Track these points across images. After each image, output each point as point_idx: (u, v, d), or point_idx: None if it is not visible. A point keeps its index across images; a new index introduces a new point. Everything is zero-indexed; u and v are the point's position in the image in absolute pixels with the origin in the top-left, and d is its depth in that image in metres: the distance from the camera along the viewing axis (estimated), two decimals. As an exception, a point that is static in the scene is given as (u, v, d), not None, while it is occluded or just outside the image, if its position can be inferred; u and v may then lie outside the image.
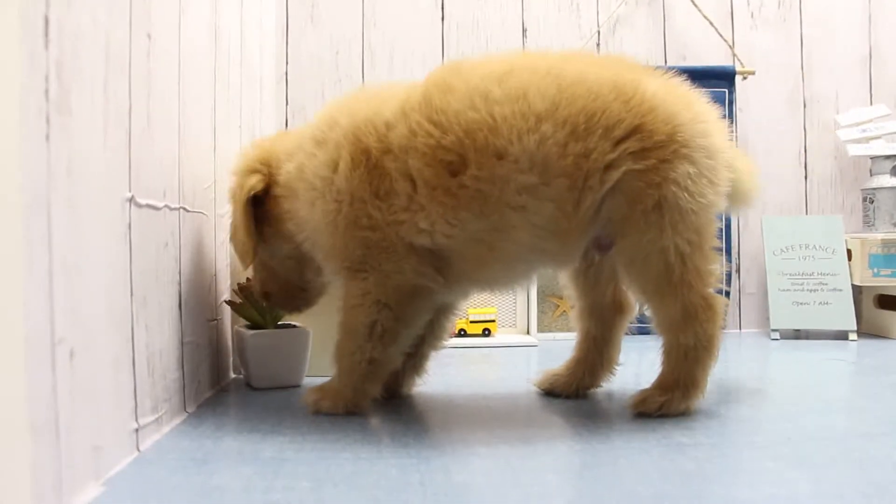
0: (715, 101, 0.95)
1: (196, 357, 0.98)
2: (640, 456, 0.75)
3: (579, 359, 1.05)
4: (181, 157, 0.90)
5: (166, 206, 0.85)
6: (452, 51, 1.79)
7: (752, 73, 1.78)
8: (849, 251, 1.69)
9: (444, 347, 1.09)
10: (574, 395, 1.04)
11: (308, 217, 0.93)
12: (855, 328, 1.63)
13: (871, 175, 1.80)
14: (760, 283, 1.83)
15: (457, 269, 0.92)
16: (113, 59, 0.69)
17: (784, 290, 1.69)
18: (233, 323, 1.18)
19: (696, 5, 1.79)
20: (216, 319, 1.10)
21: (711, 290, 0.90)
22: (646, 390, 0.93)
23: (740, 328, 1.84)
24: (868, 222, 1.76)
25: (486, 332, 1.61)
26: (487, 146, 0.85)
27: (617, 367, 1.07)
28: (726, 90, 1.75)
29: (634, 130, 0.86)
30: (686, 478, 0.68)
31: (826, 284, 1.67)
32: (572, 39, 1.81)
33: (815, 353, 1.46)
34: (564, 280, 1.06)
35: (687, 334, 0.90)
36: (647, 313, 0.94)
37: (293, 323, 1.17)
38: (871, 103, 1.85)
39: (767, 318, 1.71)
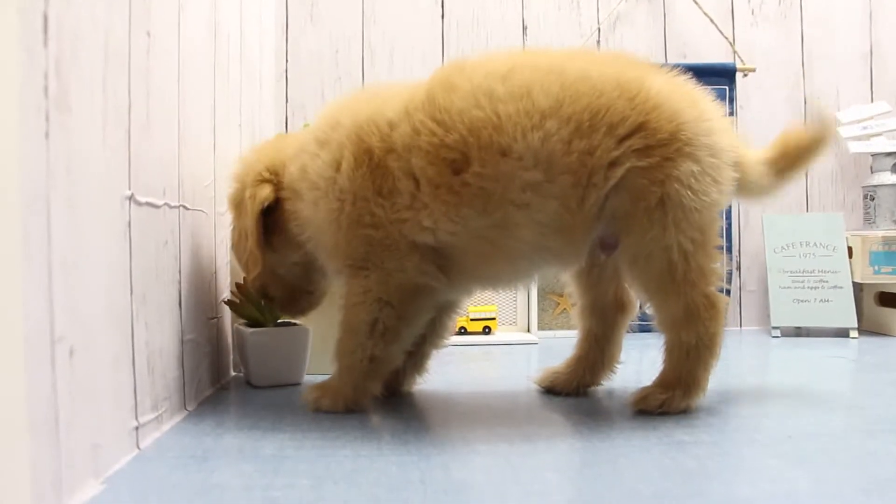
0: (715, 99, 0.95)
1: (196, 355, 0.98)
2: (641, 454, 0.75)
3: (580, 356, 1.05)
4: (181, 155, 0.90)
5: (166, 204, 0.85)
6: (452, 49, 1.79)
7: (753, 70, 1.78)
8: (849, 248, 1.68)
9: (446, 346, 1.09)
10: (574, 392, 1.04)
11: (311, 217, 0.93)
12: (856, 325, 1.63)
13: (871, 172, 1.79)
14: (761, 281, 1.82)
15: (460, 267, 0.92)
16: (112, 56, 0.69)
17: (785, 288, 1.69)
18: (233, 321, 1.18)
19: (696, 2, 1.79)
20: (216, 317, 1.09)
21: (714, 289, 0.90)
22: (647, 388, 0.93)
23: (741, 326, 1.84)
24: (869, 219, 1.76)
25: (487, 330, 1.61)
26: (491, 144, 0.85)
27: (618, 366, 1.07)
28: (727, 87, 1.75)
29: (639, 128, 0.86)
30: (687, 476, 0.68)
31: (827, 282, 1.67)
32: (572, 37, 1.81)
33: (815, 351, 1.46)
34: (566, 278, 1.06)
35: (689, 332, 0.90)
36: (649, 311, 0.94)
37: (293, 321, 1.17)
38: (872, 100, 1.85)
39: (768, 316, 1.71)
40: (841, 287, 1.66)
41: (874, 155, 1.77)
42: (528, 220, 0.87)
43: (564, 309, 1.67)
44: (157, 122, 0.81)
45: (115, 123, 0.70)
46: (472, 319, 1.60)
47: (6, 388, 0.52)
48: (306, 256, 0.99)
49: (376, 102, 0.92)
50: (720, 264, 0.91)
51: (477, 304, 1.62)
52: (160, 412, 0.83)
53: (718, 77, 1.74)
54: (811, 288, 1.67)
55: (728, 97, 1.74)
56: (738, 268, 1.83)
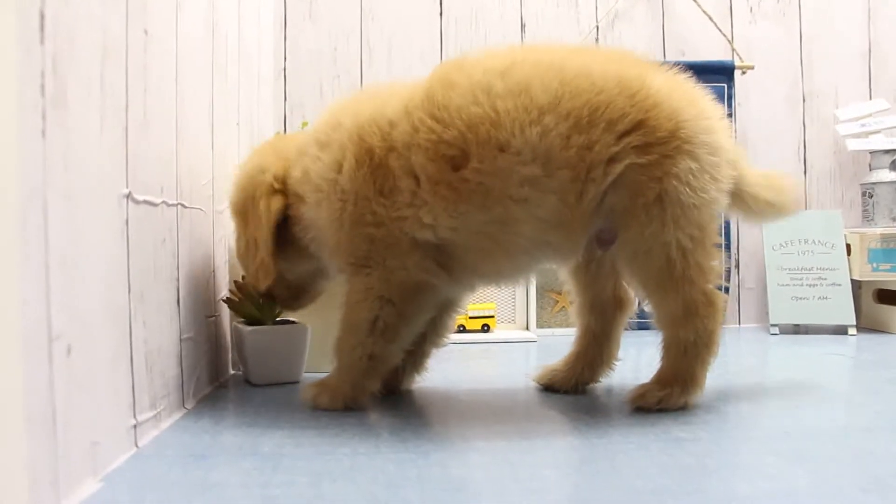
0: (714, 96, 0.95)
1: (194, 353, 0.98)
2: (639, 451, 0.75)
3: (578, 354, 1.06)
4: (178, 153, 0.90)
5: (164, 202, 0.84)
6: (451, 45, 1.79)
7: (752, 67, 1.78)
8: (848, 246, 1.69)
9: (446, 345, 1.09)
10: (573, 390, 1.04)
11: (315, 218, 0.93)
12: (854, 323, 1.63)
13: (870, 170, 1.79)
14: (759, 278, 1.83)
15: (461, 264, 0.92)
16: (109, 54, 0.69)
17: (783, 285, 1.69)
18: (231, 319, 1.18)
19: (695, 0, 1.79)
20: (215, 315, 1.09)
21: (712, 286, 0.91)
22: (645, 385, 0.93)
23: (739, 323, 1.84)
24: (867, 217, 1.76)
25: (486, 328, 1.61)
26: (489, 139, 0.85)
27: (616, 363, 1.07)
28: (725, 85, 1.75)
29: (638, 125, 0.86)
30: (685, 472, 0.68)
31: (825, 279, 1.67)
32: (571, 34, 1.80)
33: (814, 348, 1.46)
34: (565, 275, 1.06)
35: (687, 330, 0.90)
36: (647, 308, 0.94)
37: (291, 319, 1.17)
38: (871, 98, 1.85)
39: (766, 313, 1.71)
40: (839, 284, 1.66)
41: (873, 152, 1.77)
42: (528, 215, 0.87)
43: (563, 306, 1.67)
44: (154, 120, 0.81)
45: (113, 121, 0.70)
46: (470, 317, 1.60)
47: (4, 385, 0.52)
48: (318, 263, 0.99)
49: (377, 102, 0.92)
50: (719, 262, 0.92)
51: (475, 301, 1.62)
52: (158, 410, 0.83)
53: (717, 75, 1.74)
54: (810, 285, 1.67)
55: (726, 95, 1.74)
56: (737, 265, 1.84)
